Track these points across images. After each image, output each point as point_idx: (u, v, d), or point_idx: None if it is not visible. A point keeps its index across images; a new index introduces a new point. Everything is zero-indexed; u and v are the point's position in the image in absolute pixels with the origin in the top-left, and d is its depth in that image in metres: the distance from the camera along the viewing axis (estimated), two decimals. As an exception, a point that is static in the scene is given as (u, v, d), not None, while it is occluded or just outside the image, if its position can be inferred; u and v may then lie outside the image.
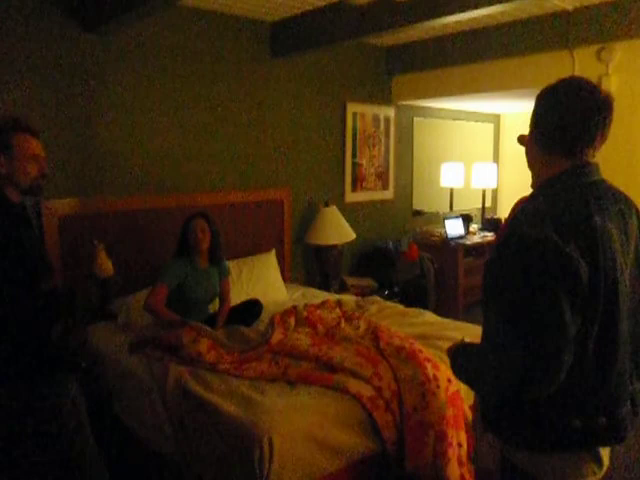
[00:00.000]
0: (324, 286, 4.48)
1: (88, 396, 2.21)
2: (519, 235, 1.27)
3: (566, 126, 1.36)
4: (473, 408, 1.97)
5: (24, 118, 2.02)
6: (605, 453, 1.42)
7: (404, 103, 5.42)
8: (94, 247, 3.01)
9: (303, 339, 2.83)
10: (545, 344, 1.22)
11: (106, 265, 2.58)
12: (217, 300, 3.36)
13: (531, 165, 1.48)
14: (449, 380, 2.58)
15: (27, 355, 1.88)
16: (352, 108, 4.95)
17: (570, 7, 3.91)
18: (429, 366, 2.56)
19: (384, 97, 5.27)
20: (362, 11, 3.62)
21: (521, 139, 1.78)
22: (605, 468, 1.43)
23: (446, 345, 2.82)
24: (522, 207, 1.38)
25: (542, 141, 1.41)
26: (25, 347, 1.87)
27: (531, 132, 1.45)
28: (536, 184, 1.45)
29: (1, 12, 3.02)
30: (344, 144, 4.96)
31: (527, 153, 1.49)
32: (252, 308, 3.35)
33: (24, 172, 1.95)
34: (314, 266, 4.70)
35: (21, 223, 1.97)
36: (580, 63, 4.08)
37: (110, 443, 2.64)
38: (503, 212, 6.60)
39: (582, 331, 1.27)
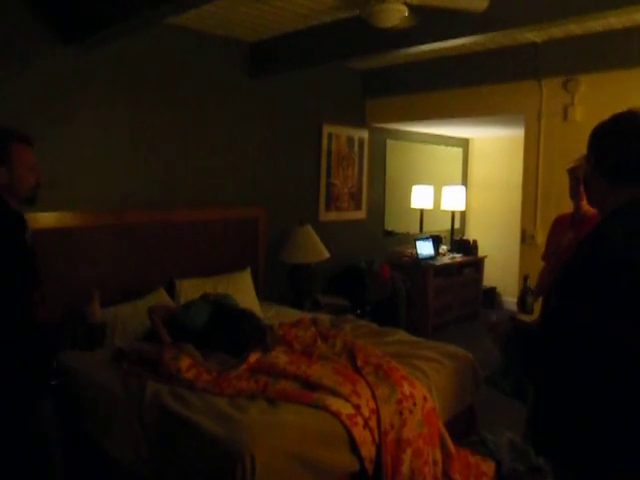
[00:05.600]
0: (297, 305, 4.50)
1: (60, 413, 2.18)
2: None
3: (631, 159, 1.41)
4: None
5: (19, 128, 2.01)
6: None
7: (377, 126, 5.54)
8: (92, 292, 3.04)
9: (281, 357, 2.84)
10: None
11: (98, 312, 2.62)
12: None
13: (595, 198, 1.53)
14: (425, 398, 2.64)
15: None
16: (327, 129, 5.03)
17: (538, 40, 4.10)
18: (405, 384, 2.61)
19: (358, 119, 5.38)
20: (340, 35, 3.72)
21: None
22: None
23: (421, 364, 2.92)
24: (607, 229, 1.42)
25: (609, 174, 1.44)
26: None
27: (595, 166, 1.48)
28: (602, 214, 1.49)
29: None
30: (319, 164, 5.03)
31: (588, 187, 1.54)
32: None
33: (24, 182, 1.95)
34: (287, 285, 4.72)
35: (19, 230, 1.96)
36: (547, 93, 4.27)
37: (82, 463, 2.59)
38: (471, 233, 6.76)
39: None
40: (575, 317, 1.34)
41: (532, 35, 3.97)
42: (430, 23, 3.18)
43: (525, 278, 2.45)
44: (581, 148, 1.64)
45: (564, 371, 1.38)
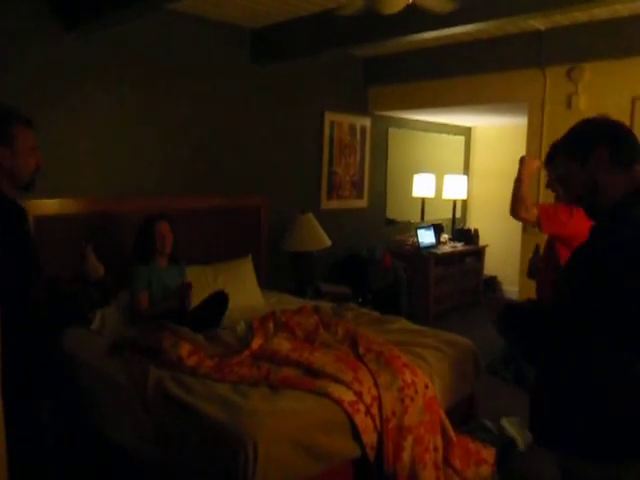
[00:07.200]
0: (299, 293, 4.50)
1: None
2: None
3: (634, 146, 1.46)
4: None
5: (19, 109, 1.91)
6: None
7: (380, 114, 5.52)
8: (83, 248, 3.01)
9: (283, 344, 2.85)
10: None
11: (97, 265, 2.58)
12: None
13: (594, 187, 1.48)
14: (426, 386, 2.65)
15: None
16: (329, 117, 5.01)
17: (542, 27, 4.06)
18: (407, 372, 2.62)
19: (361, 107, 5.35)
20: (343, 22, 3.67)
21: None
22: None
23: (423, 351, 2.93)
24: (624, 216, 1.42)
25: (621, 161, 1.45)
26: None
27: (611, 157, 1.45)
28: (606, 203, 1.46)
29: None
30: (321, 152, 5.02)
31: (581, 177, 1.49)
32: (218, 298, 3.35)
33: (25, 166, 1.86)
34: (289, 273, 4.72)
35: (19, 221, 1.87)
36: (551, 81, 4.25)
37: (87, 452, 2.60)
38: (473, 223, 6.75)
39: None
40: (590, 301, 1.35)
41: (536, 22, 3.93)
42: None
43: (537, 246, 2.48)
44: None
45: (574, 355, 1.39)
